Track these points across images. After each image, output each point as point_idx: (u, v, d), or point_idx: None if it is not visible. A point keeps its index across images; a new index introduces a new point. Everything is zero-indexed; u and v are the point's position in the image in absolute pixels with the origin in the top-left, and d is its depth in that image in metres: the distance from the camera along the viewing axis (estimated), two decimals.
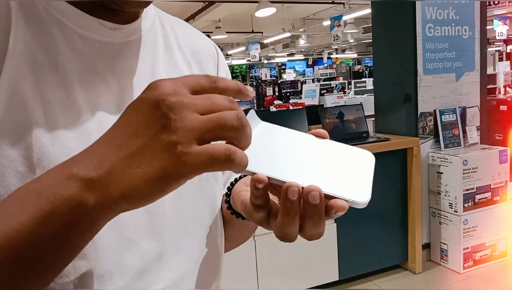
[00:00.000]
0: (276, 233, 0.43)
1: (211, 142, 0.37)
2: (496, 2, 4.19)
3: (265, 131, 0.47)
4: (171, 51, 0.62)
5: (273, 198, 0.45)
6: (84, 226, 0.38)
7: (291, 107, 3.41)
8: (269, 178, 0.40)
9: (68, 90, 0.50)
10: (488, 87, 3.80)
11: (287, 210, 0.40)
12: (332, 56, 16.44)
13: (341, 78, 10.83)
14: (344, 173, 0.44)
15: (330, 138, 0.48)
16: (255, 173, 0.40)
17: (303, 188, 0.40)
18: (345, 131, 2.98)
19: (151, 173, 0.36)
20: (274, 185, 0.42)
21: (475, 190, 2.96)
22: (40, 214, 0.37)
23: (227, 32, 8.95)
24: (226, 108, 0.38)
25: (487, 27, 3.60)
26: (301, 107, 3.41)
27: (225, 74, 0.71)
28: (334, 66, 14.26)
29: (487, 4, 4.25)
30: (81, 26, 0.52)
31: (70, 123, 0.49)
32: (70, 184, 0.37)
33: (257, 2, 6.50)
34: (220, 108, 0.38)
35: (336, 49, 15.83)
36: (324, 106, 3.37)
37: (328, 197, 0.40)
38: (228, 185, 0.61)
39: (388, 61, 3.21)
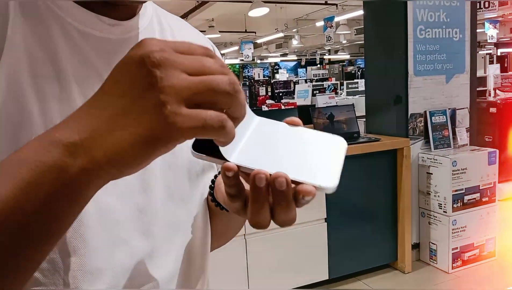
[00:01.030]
0: (248, 220, 0.42)
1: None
2: (486, 6, 4.24)
3: None
4: None
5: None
6: (69, 195, 0.36)
7: (283, 107, 3.43)
8: (238, 166, 0.40)
9: (63, 85, 0.50)
10: (478, 89, 3.84)
11: (256, 197, 0.40)
12: (324, 57, 16.48)
13: (333, 78, 10.87)
14: (314, 159, 0.44)
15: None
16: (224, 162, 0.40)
17: (270, 175, 0.39)
18: (335, 131, 3.00)
19: (137, 135, 0.34)
20: (247, 174, 0.42)
21: (464, 191, 3.00)
22: (22, 184, 0.34)
23: (220, 32, 8.94)
24: (217, 72, 0.35)
25: (479, 30, 3.64)
26: (293, 106, 3.42)
27: None
28: (327, 67, 14.30)
29: (478, 7, 4.29)
30: (80, 21, 0.52)
31: (64, 117, 0.49)
32: (52, 150, 0.35)
33: (250, 1, 6.50)
34: (211, 72, 0.35)
35: (329, 50, 15.88)
36: (316, 106, 3.39)
37: (296, 183, 0.40)
38: (212, 178, 0.62)
39: (379, 63, 3.23)
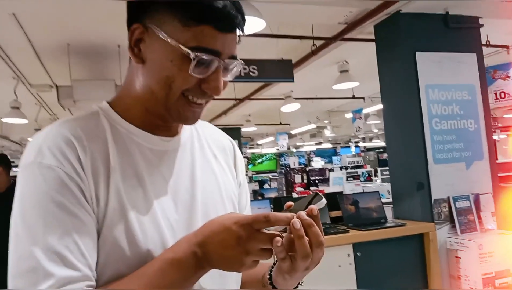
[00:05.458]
0: (299, 258, 0.69)
1: None
2: (502, 96, 4.50)
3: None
4: (203, 149, 0.91)
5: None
6: (196, 279, 0.74)
7: (310, 193, 3.66)
8: (280, 232, 0.70)
9: (146, 190, 0.78)
10: (504, 174, 3.95)
11: (296, 234, 0.68)
12: (359, 144, 16.81)
13: (368, 165, 11.06)
14: (305, 201, 0.75)
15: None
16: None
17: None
18: (361, 216, 3.20)
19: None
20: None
21: (494, 275, 3.03)
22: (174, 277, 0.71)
23: (256, 124, 9.53)
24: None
25: (506, 116, 3.82)
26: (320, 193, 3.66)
27: (240, 160, 1.00)
28: (362, 154, 14.56)
29: (495, 98, 4.55)
30: (149, 142, 0.82)
31: (149, 217, 0.76)
32: (194, 258, 0.71)
33: (282, 99, 7.06)
34: None
35: (364, 138, 16.25)
36: (343, 193, 3.62)
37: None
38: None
39: (400, 152, 3.45)
